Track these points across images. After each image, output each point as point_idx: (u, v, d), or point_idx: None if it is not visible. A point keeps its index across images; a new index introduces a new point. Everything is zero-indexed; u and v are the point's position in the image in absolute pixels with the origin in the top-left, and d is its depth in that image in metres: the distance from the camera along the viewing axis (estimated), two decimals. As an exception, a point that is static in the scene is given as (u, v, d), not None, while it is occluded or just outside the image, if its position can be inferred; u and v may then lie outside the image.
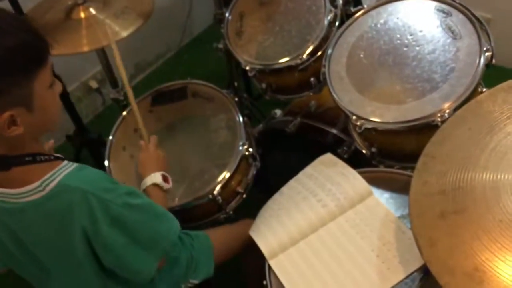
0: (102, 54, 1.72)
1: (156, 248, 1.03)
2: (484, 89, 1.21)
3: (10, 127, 0.85)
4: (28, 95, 0.86)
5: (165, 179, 1.23)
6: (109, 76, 1.79)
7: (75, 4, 1.52)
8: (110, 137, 1.56)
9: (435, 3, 1.30)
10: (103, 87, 2.53)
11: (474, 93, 1.15)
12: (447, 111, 1.13)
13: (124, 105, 1.76)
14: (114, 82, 1.80)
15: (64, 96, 1.79)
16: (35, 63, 0.86)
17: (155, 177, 1.22)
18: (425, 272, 0.96)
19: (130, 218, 0.95)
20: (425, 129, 1.15)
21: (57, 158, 0.94)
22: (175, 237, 1.07)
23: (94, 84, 2.51)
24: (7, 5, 1.51)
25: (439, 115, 1.13)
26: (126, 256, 0.98)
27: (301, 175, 1.25)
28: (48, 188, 0.89)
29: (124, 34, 1.46)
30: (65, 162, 0.94)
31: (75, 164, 0.94)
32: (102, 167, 1.54)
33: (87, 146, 1.93)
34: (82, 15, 1.50)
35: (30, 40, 0.84)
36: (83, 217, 0.91)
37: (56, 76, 1.67)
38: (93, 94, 2.56)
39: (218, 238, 1.34)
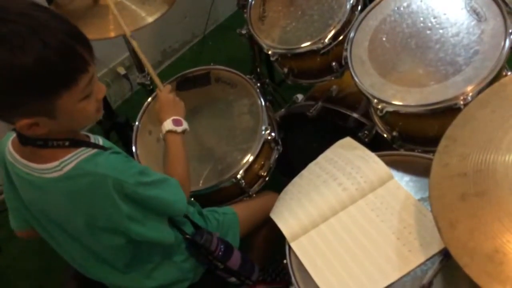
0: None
1: (168, 215, 1.13)
2: (508, 72, 1.19)
3: (31, 128, 0.87)
4: (49, 109, 0.86)
5: (176, 122, 1.26)
6: (136, 61, 1.82)
7: (103, -11, 1.55)
8: (136, 123, 1.60)
9: (460, -15, 1.28)
10: (130, 73, 2.58)
11: (498, 76, 1.13)
12: (470, 94, 1.12)
13: (151, 90, 1.80)
14: (141, 67, 1.83)
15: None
16: (57, 85, 0.84)
17: (167, 125, 1.25)
18: (445, 255, 0.96)
19: (143, 195, 1.01)
20: (448, 112, 1.14)
21: (75, 144, 0.96)
22: (184, 206, 1.14)
23: (122, 70, 2.57)
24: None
25: (462, 98, 1.12)
26: (147, 226, 1.05)
27: (320, 158, 1.26)
28: (65, 169, 0.93)
29: (150, 19, 1.49)
30: (83, 148, 0.96)
31: (94, 150, 0.97)
32: (129, 149, 1.58)
33: (115, 129, 1.99)
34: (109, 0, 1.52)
35: (56, 62, 0.81)
36: (104, 202, 0.96)
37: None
38: (121, 80, 2.62)
39: (243, 214, 1.40)
